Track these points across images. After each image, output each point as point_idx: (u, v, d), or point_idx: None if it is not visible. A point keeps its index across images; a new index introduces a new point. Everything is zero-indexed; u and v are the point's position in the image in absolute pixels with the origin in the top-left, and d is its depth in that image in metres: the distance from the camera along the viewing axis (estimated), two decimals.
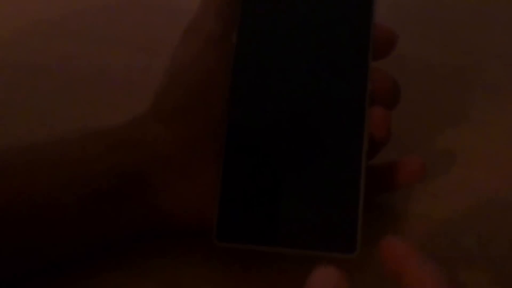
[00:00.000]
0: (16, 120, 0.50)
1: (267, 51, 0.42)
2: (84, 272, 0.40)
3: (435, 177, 0.45)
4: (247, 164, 0.40)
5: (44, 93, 0.51)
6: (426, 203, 0.44)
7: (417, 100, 0.48)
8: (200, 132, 0.40)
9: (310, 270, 0.30)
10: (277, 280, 0.40)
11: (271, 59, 0.42)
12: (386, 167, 0.42)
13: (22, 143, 0.40)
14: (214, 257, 0.41)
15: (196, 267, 0.41)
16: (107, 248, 0.41)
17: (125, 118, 0.41)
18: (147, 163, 0.40)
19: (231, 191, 0.40)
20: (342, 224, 0.39)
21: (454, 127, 0.48)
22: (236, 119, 0.41)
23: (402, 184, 0.42)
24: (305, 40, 0.42)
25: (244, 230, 0.39)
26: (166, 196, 0.40)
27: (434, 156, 0.47)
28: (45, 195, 0.38)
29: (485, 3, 0.56)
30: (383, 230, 0.42)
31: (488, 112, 0.49)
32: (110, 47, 0.53)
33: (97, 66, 0.52)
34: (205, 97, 0.41)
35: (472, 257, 0.42)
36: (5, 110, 0.50)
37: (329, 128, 0.40)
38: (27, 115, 0.50)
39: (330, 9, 0.42)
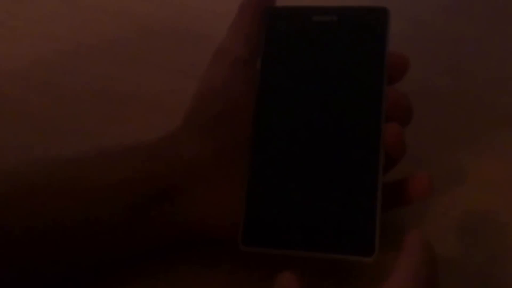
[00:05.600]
0: (57, 136, 0.52)
1: (289, 73, 0.44)
2: (111, 280, 0.42)
3: (444, 195, 0.46)
4: (271, 173, 0.42)
5: (83, 111, 0.53)
6: (436, 220, 0.46)
7: (426, 122, 0.49)
8: (226, 148, 0.42)
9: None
10: None
11: (293, 82, 0.44)
12: (397, 183, 0.43)
13: (62, 158, 0.42)
14: (239, 265, 0.42)
15: (222, 275, 0.43)
16: (136, 258, 0.43)
17: (158, 135, 0.43)
18: (178, 176, 0.41)
19: (256, 199, 0.42)
20: (361, 230, 0.40)
21: (465, 147, 0.49)
22: (261, 133, 0.43)
23: (412, 199, 0.43)
24: (325, 64, 0.44)
25: (268, 235, 0.41)
26: (196, 207, 0.42)
27: (444, 174, 0.48)
28: (84, 209, 0.40)
29: (488, 34, 0.56)
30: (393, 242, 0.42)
31: (490, 134, 0.50)
32: (145, 70, 0.55)
33: (133, 86, 0.55)
34: (232, 116, 0.43)
35: (482, 276, 0.43)
36: (46, 127, 0.52)
37: (348, 142, 0.42)
38: (67, 132, 0.52)
39: (348, 38, 0.44)
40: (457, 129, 0.51)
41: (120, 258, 0.42)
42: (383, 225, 0.40)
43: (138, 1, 0.60)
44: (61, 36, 0.59)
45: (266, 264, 0.41)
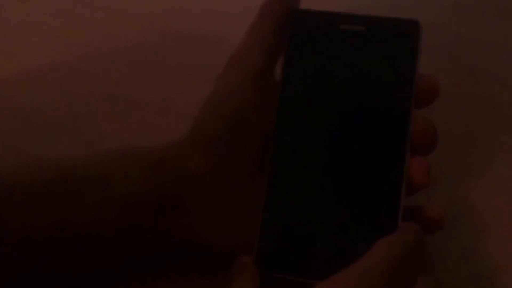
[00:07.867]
0: (67, 138, 0.52)
1: (312, 89, 0.42)
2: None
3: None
4: (288, 195, 0.41)
5: (93, 113, 0.54)
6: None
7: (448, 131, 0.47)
8: (234, 161, 0.41)
9: None
10: None
11: (316, 98, 0.42)
12: (409, 212, 0.40)
13: (63, 161, 0.41)
14: None
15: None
16: (140, 267, 0.42)
17: (166, 141, 0.42)
18: (184, 186, 0.41)
19: (271, 223, 0.40)
20: None
21: (472, 151, 0.49)
22: (280, 152, 0.41)
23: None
24: (350, 79, 0.42)
25: (283, 261, 0.40)
26: (201, 219, 0.41)
27: (453, 177, 0.48)
28: (83, 214, 0.40)
29: (504, 38, 0.56)
30: None
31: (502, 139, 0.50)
32: (158, 73, 0.56)
33: (145, 89, 0.55)
34: (241, 128, 0.41)
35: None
36: (56, 128, 0.53)
37: (371, 166, 0.40)
38: (78, 134, 0.52)
39: (376, 51, 0.42)
40: (469, 132, 0.51)
41: (120, 264, 0.42)
42: None
43: (153, 4, 0.61)
44: (74, 38, 0.59)
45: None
